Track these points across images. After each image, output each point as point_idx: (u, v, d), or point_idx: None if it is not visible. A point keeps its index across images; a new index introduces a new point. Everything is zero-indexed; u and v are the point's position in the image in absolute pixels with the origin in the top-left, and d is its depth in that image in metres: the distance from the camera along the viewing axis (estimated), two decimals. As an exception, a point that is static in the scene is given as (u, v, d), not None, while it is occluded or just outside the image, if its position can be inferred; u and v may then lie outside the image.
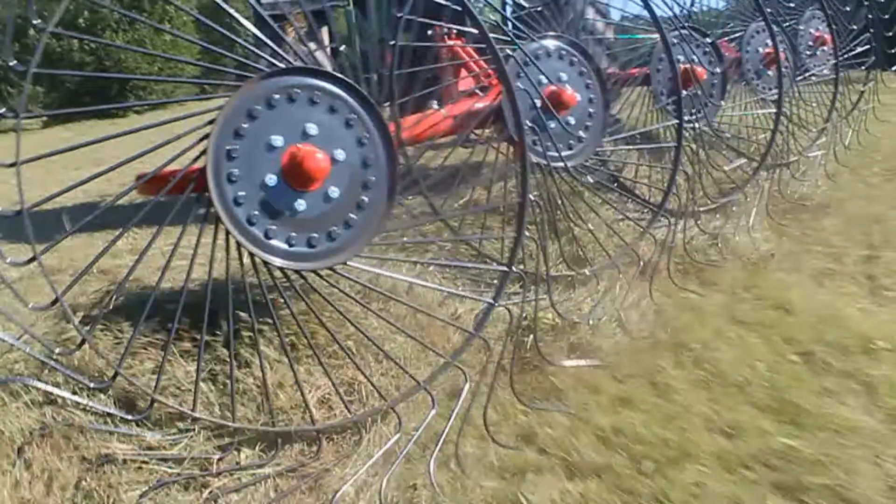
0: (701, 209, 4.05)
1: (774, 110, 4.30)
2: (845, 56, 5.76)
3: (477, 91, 3.34)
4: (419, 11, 2.56)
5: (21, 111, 1.77)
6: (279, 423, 2.12)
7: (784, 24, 5.24)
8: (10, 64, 1.74)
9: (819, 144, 5.37)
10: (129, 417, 1.95)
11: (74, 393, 1.98)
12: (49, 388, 1.93)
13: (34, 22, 1.80)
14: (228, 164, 1.90)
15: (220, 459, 1.96)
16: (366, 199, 2.12)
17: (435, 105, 2.91)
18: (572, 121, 3.12)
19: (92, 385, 1.95)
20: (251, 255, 1.99)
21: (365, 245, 2.14)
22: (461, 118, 3.01)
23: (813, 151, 5.26)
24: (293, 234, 2.02)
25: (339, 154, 2.05)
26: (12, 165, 1.71)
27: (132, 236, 4.46)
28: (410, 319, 2.61)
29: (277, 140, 1.96)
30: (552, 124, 2.99)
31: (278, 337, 2.15)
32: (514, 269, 2.37)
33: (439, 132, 3.01)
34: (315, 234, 2.05)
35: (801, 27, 5.60)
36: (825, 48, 5.62)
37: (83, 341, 1.88)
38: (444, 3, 2.48)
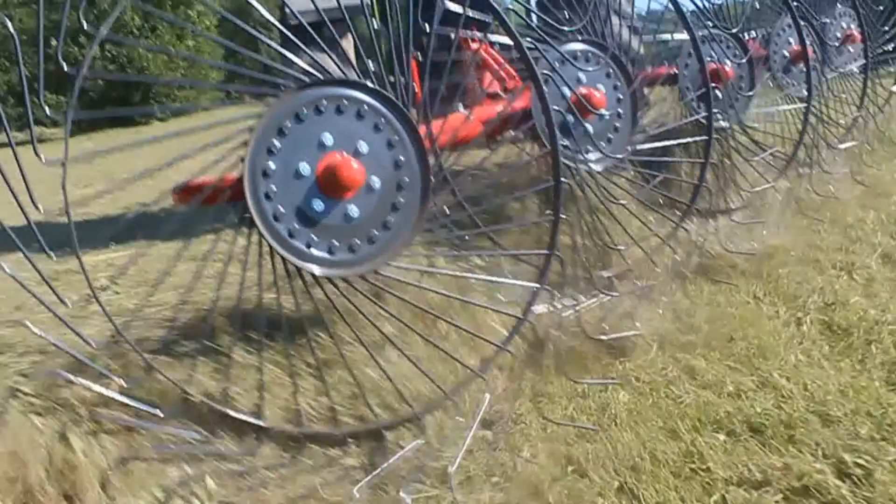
0: (731, 207, 3.98)
1: (803, 106, 4.20)
2: (877, 52, 5.58)
3: (503, 94, 3.33)
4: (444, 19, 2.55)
5: (70, 112, 1.79)
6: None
7: (813, 21, 5.11)
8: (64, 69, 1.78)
9: (850, 138, 5.26)
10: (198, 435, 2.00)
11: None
12: (93, 386, 1.84)
13: (85, 27, 1.84)
14: (265, 181, 1.93)
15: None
16: (401, 199, 2.15)
17: (461, 108, 2.92)
18: (602, 122, 3.13)
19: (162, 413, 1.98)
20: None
21: (404, 246, 2.18)
22: (497, 120, 3.01)
23: (842, 147, 5.15)
24: (335, 241, 2.04)
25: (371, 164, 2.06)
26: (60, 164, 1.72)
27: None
28: (457, 314, 2.63)
29: (326, 139, 1.99)
30: (584, 127, 3.00)
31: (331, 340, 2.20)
32: (556, 252, 2.38)
33: (476, 135, 3.00)
34: (356, 240, 2.07)
35: (831, 23, 5.45)
36: (851, 48, 5.47)
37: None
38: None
